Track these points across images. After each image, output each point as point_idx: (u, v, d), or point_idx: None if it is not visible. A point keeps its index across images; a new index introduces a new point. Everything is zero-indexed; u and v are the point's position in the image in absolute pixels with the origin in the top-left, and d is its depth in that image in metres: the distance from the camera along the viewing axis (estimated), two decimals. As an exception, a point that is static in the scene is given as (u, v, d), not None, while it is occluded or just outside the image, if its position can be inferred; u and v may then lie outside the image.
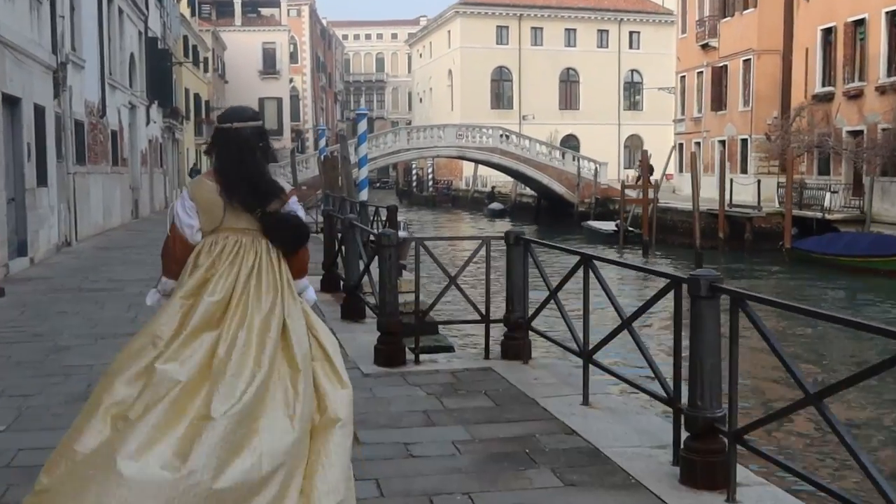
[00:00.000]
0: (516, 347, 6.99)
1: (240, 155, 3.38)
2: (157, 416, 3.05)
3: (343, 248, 9.21)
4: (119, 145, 24.57)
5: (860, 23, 30.53)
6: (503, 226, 50.54)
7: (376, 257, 7.00)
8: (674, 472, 4.47)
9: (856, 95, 30.50)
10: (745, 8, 38.34)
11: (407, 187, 77.79)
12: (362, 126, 22.77)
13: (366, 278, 8.39)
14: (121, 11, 24.89)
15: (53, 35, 16.76)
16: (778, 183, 33.14)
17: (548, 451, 4.88)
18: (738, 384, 4.10)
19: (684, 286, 4.40)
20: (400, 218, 15.44)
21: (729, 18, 40.06)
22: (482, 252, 7.08)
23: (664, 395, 4.75)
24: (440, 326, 10.59)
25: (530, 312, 6.92)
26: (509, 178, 54.45)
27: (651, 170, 35.06)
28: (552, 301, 6.34)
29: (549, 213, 48.43)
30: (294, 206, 3.51)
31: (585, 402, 5.76)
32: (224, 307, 3.28)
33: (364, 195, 22.22)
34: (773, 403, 11.42)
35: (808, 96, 33.17)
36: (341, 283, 10.62)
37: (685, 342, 4.46)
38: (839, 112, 31.41)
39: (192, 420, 3.07)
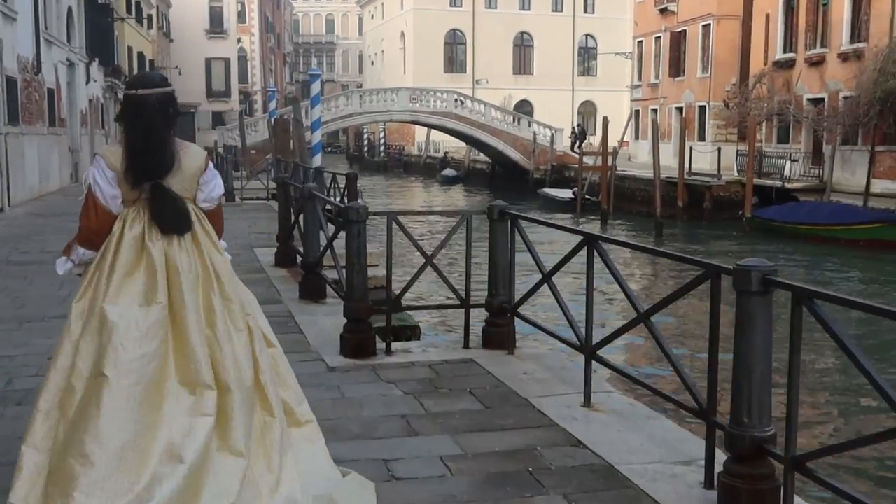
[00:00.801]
0: (500, 335, 6.22)
1: (144, 122, 3.31)
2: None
3: (301, 220, 8.31)
4: (57, 104, 23.19)
5: (823, -12, 30.09)
6: (456, 192, 49.82)
7: (341, 232, 6.16)
8: (709, 497, 3.76)
9: (817, 62, 30.12)
10: (706, -28, 37.72)
11: (358, 152, 76.48)
12: (315, 88, 21.71)
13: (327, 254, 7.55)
14: (57, -38, 23.41)
15: (-20, -17, 15.47)
16: (737, 151, 32.79)
17: (554, 469, 4.12)
18: (798, 400, 3.37)
19: (727, 278, 3.65)
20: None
21: (688, -18, 39.44)
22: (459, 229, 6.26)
23: (695, 405, 4.01)
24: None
25: (516, 297, 6.15)
26: (463, 144, 53.59)
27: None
28: (543, 286, 5.58)
29: (503, 180, 47.70)
30: (213, 173, 3.51)
31: (587, 403, 5.02)
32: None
33: (317, 160, 21.24)
34: (827, 424, 10.40)
35: (769, 63, 32.73)
36: (298, 257, 9.77)
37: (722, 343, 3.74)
38: (800, 79, 31.04)
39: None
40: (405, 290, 6.28)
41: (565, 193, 36.38)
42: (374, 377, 5.62)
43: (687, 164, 31.23)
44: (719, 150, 32.00)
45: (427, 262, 6.21)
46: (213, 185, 3.51)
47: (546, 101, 64.63)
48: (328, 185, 13.50)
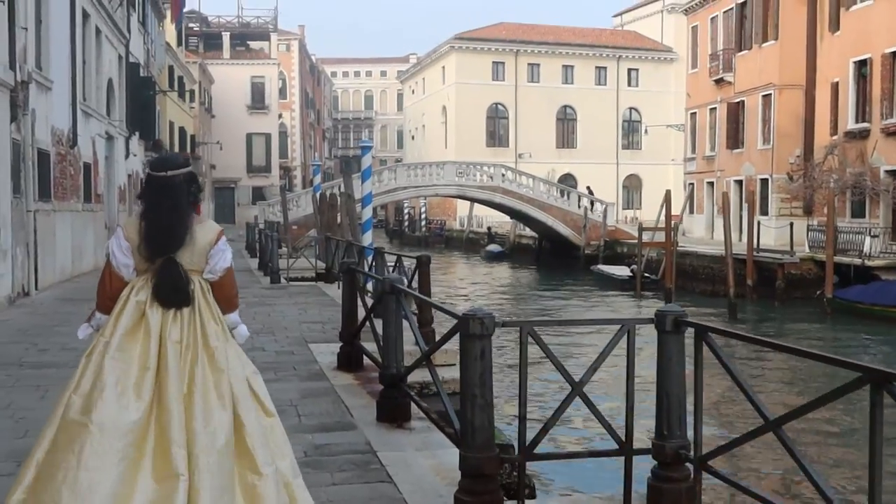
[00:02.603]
0: (675, 495, 4.40)
1: (169, 201, 3.56)
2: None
3: (380, 321, 6.57)
4: (93, 179, 21.94)
5: (899, 55, 28.43)
6: (502, 269, 48.05)
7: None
8: None
9: (895, 132, 28.28)
10: (765, 41, 36.25)
11: (398, 227, 75.27)
12: (367, 160, 20.25)
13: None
14: (98, 31, 22.36)
15: (12, 47, 14.21)
16: (808, 226, 30.81)
17: None
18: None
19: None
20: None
21: (746, 52, 37.99)
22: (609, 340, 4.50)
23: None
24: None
25: (702, 446, 4.34)
26: (506, 219, 52.10)
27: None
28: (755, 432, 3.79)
29: (550, 256, 46.00)
30: (222, 247, 3.70)
31: None
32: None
33: (368, 237, 19.69)
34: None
35: (839, 133, 30.95)
36: (364, 358, 8.05)
37: None
38: (876, 150, 29.17)
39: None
40: (545, 431, 4.48)
41: (622, 271, 34.49)
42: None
43: (756, 241, 29.28)
44: (791, 225, 30.01)
45: (575, 392, 4.43)
46: (220, 259, 3.68)
47: (590, 175, 63.21)
48: (393, 271, 11.65)
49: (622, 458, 4.57)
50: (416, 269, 10.35)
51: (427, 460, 5.34)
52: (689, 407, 4.37)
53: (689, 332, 4.41)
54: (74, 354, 9.30)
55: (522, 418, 4.40)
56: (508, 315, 27.73)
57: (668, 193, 31.29)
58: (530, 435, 4.45)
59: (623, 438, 4.56)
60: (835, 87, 31.79)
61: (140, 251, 3.54)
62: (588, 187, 52.95)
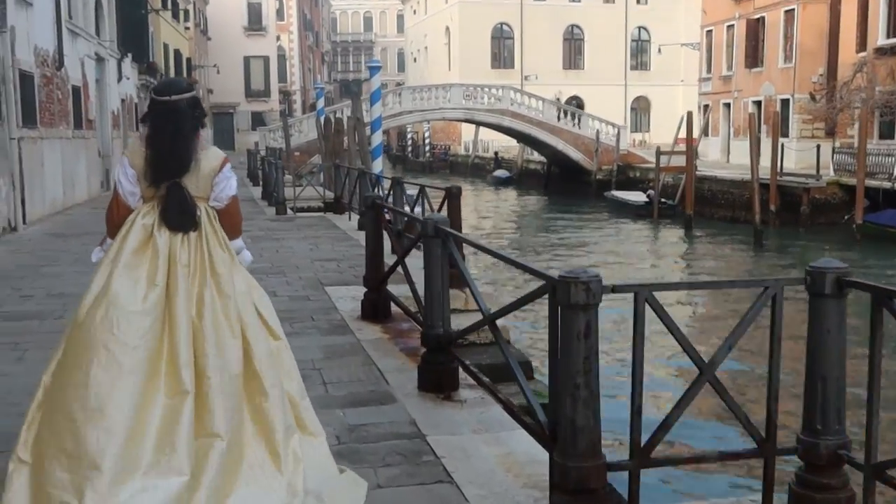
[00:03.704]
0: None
1: (173, 126, 3.51)
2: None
3: (421, 269, 5.42)
4: (84, 104, 20.60)
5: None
6: (509, 195, 46.76)
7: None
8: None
9: (930, 48, 26.80)
10: (789, -48, 34.41)
11: (401, 152, 73.69)
12: (375, 82, 18.99)
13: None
14: (83, -56, 20.78)
15: (-16, -43, 12.82)
16: (833, 148, 29.48)
17: None
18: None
19: None
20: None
21: (767, -36, 36.13)
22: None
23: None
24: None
25: (877, 449, 3.25)
26: (513, 143, 50.59)
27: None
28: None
29: (560, 182, 44.66)
30: (227, 174, 3.65)
31: None
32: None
33: (379, 165, 18.51)
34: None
35: (870, 49, 29.37)
36: (391, 305, 6.97)
37: None
38: (908, 67, 27.71)
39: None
40: (665, 428, 3.37)
41: (638, 197, 33.21)
42: None
43: (780, 164, 27.96)
44: (818, 147, 28.66)
45: (704, 377, 3.32)
46: (225, 186, 3.64)
47: (597, 97, 61.38)
48: (414, 205, 10.40)
49: (761, 460, 3.49)
50: (443, 202, 9.21)
51: (491, 448, 4.27)
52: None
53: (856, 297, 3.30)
54: (62, 302, 8.24)
55: (637, 412, 3.30)
56: (529, 249, 26.62)
57: (689, 115, 29.88)
58: (644, 435, 3.35)
59: (763, 434, 3.47)
60: (863, 1, 30.10)
61: (145, 177, 3.51)
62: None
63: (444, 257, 5.07)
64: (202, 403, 3.28)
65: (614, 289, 3.21)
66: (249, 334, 3.47)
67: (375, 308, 7.17)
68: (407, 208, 10.55)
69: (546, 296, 3.42)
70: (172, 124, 3.49)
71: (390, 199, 11.51)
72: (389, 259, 7.09)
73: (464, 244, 5.33)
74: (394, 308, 7.22)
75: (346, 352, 6.19)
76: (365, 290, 7.38)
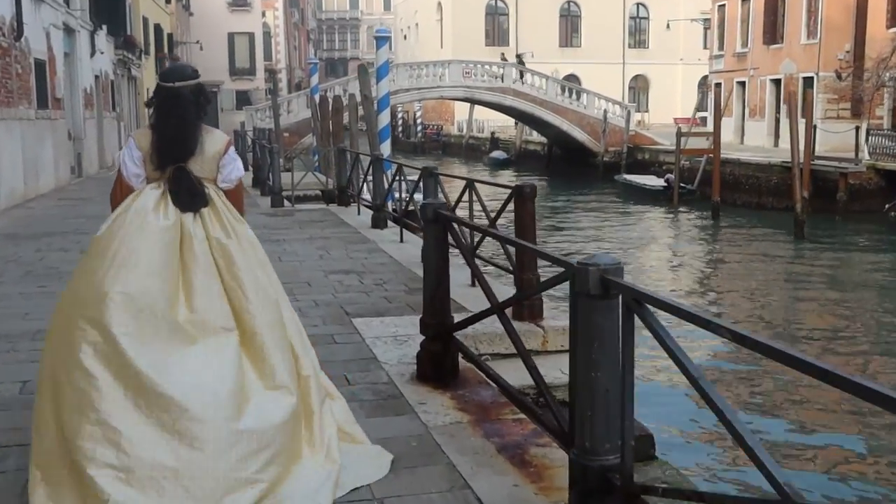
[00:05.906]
0: None
1: (177, 112, 3.54)
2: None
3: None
4: (50, 81, 18.19)
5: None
6: (508, 178, 44.43)
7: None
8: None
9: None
10: (813, -81, 32.15)
11: (391, 132, 71.28)
12: (383, 54, 16.65)
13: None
14: None
15: None
16: (868, 129, 27.35)
17: None
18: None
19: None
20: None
21: (789, -67, 33.86)
22: None
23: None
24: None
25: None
26: (509, 123, 48.31)
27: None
28: None
29: (562, 164, 42.42)
30: (233, 155, 3.71)
31: None
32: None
33: (387, 148, 16.21)
34: None
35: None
36: (460, 358, 4.76)
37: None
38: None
39: None
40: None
41: (653, 181, 31.01)
42: None
43: (798, 147, 25.71)
44: (857, 129, 26.50)
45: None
46: (232, 168, 3.69)
47: (595, 76, 59.14)
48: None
49: None
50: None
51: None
52: None
53: None
54: (5, 340, 5.99)
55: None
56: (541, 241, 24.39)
57: (717, 91, 27.67)
58: None
59: None
60: (899, -29, 27.96)
61: (151, 160, 3.56)
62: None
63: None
64: (256, 341, 3.34)
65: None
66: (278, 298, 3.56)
67: (440, 367, 4.93)
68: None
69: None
70: (177, 110, 3.56)
71: (419, 195, 9.30)
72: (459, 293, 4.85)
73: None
74: (463, 364, 5.02)
75: (413, 455, 3.92)
76: (421, 335, 5.13)
